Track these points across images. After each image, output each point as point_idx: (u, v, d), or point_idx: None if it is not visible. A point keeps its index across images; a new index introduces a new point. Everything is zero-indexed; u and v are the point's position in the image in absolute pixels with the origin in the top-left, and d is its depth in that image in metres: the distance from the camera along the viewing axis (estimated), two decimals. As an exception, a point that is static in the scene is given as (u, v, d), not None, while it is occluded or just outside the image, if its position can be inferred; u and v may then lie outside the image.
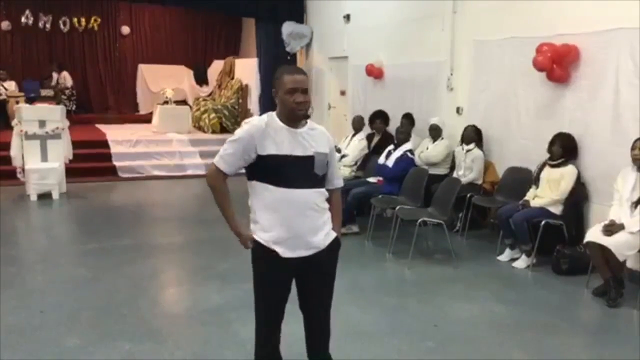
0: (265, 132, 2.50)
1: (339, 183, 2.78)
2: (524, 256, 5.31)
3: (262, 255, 2.57)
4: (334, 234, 2.67)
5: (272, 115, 2.56)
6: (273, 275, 2.60)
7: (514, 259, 5.41)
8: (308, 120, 2.61)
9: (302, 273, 2.64)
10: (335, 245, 2.67)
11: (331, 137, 2.70)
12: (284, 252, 2.54)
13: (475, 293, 4.71)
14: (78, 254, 5.66)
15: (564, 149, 5.26)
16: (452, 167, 6.76)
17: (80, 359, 3.44)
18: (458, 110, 7.11)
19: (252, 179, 2.57)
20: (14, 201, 7.76)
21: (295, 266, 2.58)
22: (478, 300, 4.53)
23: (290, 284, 2.66)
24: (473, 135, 6.39)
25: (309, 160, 2.53)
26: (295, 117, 2.52)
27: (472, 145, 6.37)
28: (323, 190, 2.63)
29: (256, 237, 2.57)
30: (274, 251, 2.53)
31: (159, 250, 5.87)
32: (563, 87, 5.58)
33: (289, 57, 11.02)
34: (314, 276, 2.66)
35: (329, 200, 2.67)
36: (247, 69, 12.38)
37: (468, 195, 6.11)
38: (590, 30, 5.25)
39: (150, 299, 4.51)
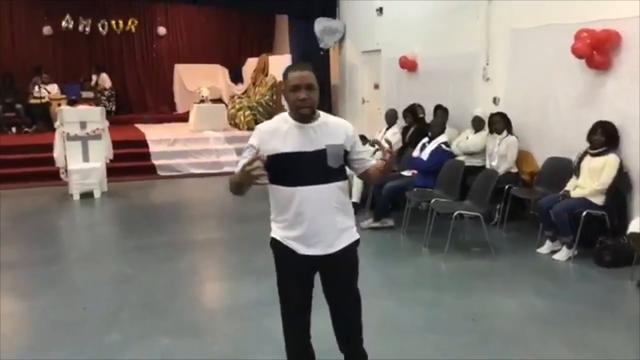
0: (274, 133, 2.49)
1: (373, 163, 2.72)
2: (565, 248, 5.18)
3: (281, 253, 2.59)
4: (354, 233, 2.63)
5: (285, 115, 2.54)
6: (292, 272, 2.60)
7: (554, 251, 5.28)
8: (322, 114, 2.55)
9: (324, 270, 2.62)
10: (355, 244, 2.64)
11: (350, 127, 2.61)
12: (300, 248, 2.53)
13: (515, 286, 4.62)
14: (119, 252, 5.80)
15: (606, 137, 5.10)
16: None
17: (121, 354, 3.53)
18: (495, 100, 6.98)
19: (272, 182, 2.55)
20: (57, 201, 8.01)
21: (315, 263, 2.56)
22: (517, 294, 4.44)
23: (311, 280, 2.63)
24: (502, 123, 6.28)
25: (320, 154, 2.46)
26: (299, 114, 2.47)
27: (504, 133, 6.25)
28: (341, 184, 2.57)
29: (274, 235, 2.59)
30: (291, 248, 2.54)
31: (197, 247, 5.96)
32: (603, 74, 5.41)
33: (321, 53, 11.02)
34: (335, 274, 2.63)
35: (367, 173, 2.65)
36: (281, 66, 12.30)
37: (506, 186, 6.00)
38: (631, 15, 5.06)
39: (189, 294, 4.58)
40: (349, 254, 2.62)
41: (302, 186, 2.46)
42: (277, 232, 2.58)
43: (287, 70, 2.50)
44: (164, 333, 3.78)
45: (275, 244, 2.60)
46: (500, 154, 6.25)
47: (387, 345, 3.55)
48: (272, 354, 3.41)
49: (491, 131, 6.44)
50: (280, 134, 2.48)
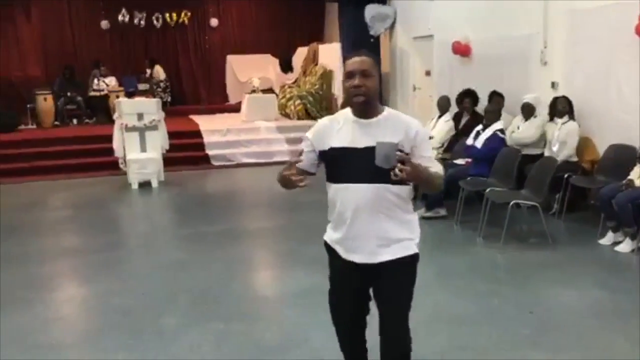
0: (329, 127, 2.37)
1: (436, 169, 2.36)
2: (628, 239, 4.95)
3: (329, 255, 2.50)
4: (410, 246, 2.37)
5: (347, 110, 2.37)
6: (336, 275, 2.51)
7: (617, 243, 5.06)
8: (387, 110, 2.33)
9: (372, 281, 2.41)
10: (409, 259, 2.37)
11: (415, 126, 2.30)
12: (342, 252, 2.39)
13: (575, 278, 4.46)
14: (175, 239, 5.95)
15: (674, 122, 4.84)
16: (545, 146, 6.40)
17: (177, 338, 3.62)
18: (553, 85, 6.73)
19: (326, 180, 2.43)
20: (117, 190, 8.28)
21: (361, 272, 2.37)
22: (577, 286, 4.29)
23: (360, 288, 2.47)
24: (566, 107, 6.03)
25: (370, 151, 2.16)
26: (353, 103, 2.29)
27: (565, 118, 6.01)
28: (395, 188, 2.27)
29: (325, 237, 2.50)
30: (336, 251, 2.42)
31: (250, 235, 6.04)
32: (671, 56, 5.12)
33: (372, 40, 10.90)
34: (380, 291, 2.40)
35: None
36: (330, 55, 12.38)
37: (566, 175, 5.78)
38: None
39: (243, 282, 4.66)
40: (399, 269, 2.35)
41: (345, 184, 2.30)
42: (328, 232, 2.48)
43: (345, 58, 2.35)
44: (218, 318, 3.86)
45: (326, 246, 2.50)
46: (560, 140, 6.01)
47: (441, 335, 3.50)
48: (323, 342, 3.42)
49: (552, 116, 6.19)
50: (335, 128, 2.35)
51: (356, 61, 2.25)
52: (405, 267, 2.37)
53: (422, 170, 2.19)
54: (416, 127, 2.31)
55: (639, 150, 5.16)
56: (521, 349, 3.38)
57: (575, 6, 6.34)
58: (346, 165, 2.28)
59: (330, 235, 2.46)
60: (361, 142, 2.26)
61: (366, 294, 2.48)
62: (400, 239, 2.34)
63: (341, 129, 2.33)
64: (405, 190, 2.34)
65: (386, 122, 2.29)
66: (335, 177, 2.34)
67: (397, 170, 2.08)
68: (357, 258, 2.35)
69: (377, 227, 2.29)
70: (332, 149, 2.32)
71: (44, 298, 4.33)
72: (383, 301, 2.40)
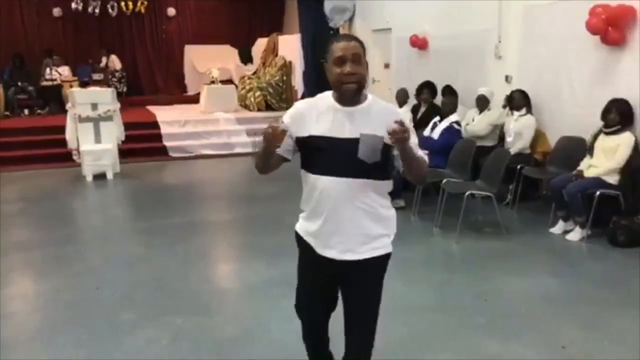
0: (308, 112, 2.20)
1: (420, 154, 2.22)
2: (577, 228, 5.13)
3: (301, 248, 2.37)
4: (385, 244, 2.26)
5: (327, 94, 2.23)
6: (307, 269, 2.39)
7: (567, 231, 5.24)
8: (370, 97, 2.19)
9: (341, 279, 2.31)
10: (383, 258, 2.28)
11: (398, 116, 2.12)
12: (317, 246, 2.25)
13: (527, 267, 4.59)
14: (132, 232, 5.85)
15: (621, 115, 5.02)
16: (501, 138, 6.56)
17: (133, 334, 3.56)
18: (507, 78, 6.88)
19: (301, 167, 2.29)
20: (71, 182, 8.06)
21: (331, 267, 2.25)
22: (530, 274, 4.42)
23: (329, 284, 2.37)
24: (522, 100, 6.18)
25: (352, 143, 2.08)
26: (342, 91, 2.12)
27: (523, 111, 6.16)
28: (378, 183, 2.17)
29: (297, 228, 2.37)
30: (310, 245, 2.29)
31: (209, 228, 5.98)
32: (619, 51, 5.30)
33: (331, 32, 10.91)
34: (350, 290, 2.30)
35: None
36: (290, 46, 12.34)
37: (518, 166, 5.94)
38: (648, -11, 4.95)
39: (201, 275, 4.61)
40: (373, 269, 2.26)
41: (324, 175, 2.15)
42: (301, 223, 2.34)
43: (332, 41, 2.15)
44: (176, 313, 3.81)
45: (297, 238, 2.37)
46: (515, 131, 6.17)
47: (397, 326, 3.54)
48: (283, 333, 3.43)
49: (511, 108, 6.35)
50: (314, 114, 2.18)
51: (346, 46, 2.09)
52: (379, 266, 2.29)
53: (411, 140, 2.06)
54: (399, 117, 2.12)
55: (588, 141, 5.33)
56: (476, 336, 3.46)
57: (529, 2, 6.49)
58: (326, 155, 2.14)
59: (304, 227, 2.32)
60: (344, 132, 2.13)
61: (336, 289, 2.39)
62: (378, 236, 2.24)
63: (322, 116, 2.17)
64: (386, 185, 2.25)
65: (370, 110, 2.16)
66: (313, 166, 2.19)
67: (391, 128, 1.94)
68: (333, 254, 2.22)
69: (357, 223, 2.18)
70: (311, 137, 2.17)
71: (-6, 294, 4.20)
72: (353, 299, 2.30)
